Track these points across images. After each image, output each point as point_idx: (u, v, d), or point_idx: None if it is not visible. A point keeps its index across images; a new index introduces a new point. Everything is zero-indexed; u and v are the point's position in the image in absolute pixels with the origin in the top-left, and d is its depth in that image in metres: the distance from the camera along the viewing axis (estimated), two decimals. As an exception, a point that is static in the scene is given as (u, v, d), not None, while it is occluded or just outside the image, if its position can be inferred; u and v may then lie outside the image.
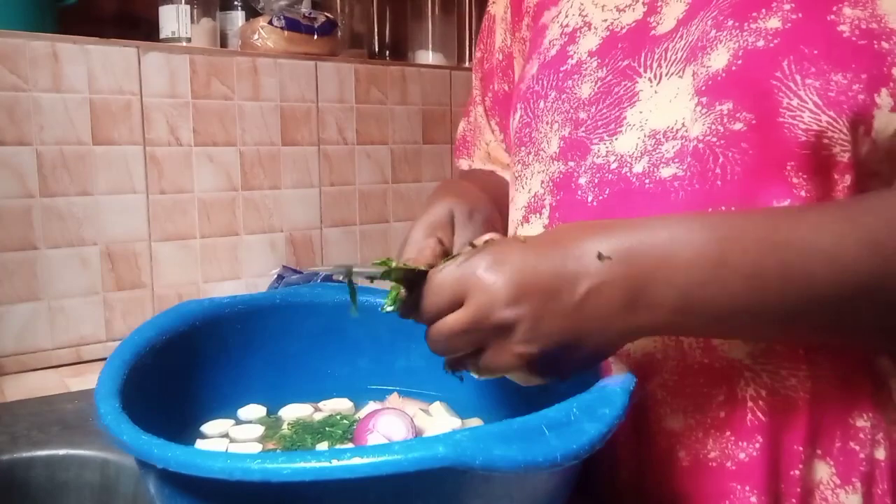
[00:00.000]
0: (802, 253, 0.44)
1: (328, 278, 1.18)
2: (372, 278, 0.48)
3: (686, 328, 0.48)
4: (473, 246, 0.47)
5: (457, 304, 0.45)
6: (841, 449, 0.52)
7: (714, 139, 0.51)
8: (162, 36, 1.16)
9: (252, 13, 1.24)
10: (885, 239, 0.44)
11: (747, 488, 0.52)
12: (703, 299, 0.44)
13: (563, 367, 0.46)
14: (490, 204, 0.66)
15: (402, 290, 0.48)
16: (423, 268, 0.48)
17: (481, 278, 0.44)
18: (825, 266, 0.44)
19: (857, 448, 0.52)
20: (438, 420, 0.58)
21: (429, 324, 0.47)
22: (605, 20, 0.61)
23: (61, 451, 0.69)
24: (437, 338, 0.46)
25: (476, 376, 0.49)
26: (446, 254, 0.54)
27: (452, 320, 0.45)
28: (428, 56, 1.48)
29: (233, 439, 0.56)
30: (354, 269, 0.48)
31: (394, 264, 0.48)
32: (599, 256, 0.44)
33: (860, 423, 0.52)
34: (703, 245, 0.44)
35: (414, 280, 0.48)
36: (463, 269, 0.45)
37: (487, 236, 0.49)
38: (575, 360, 0.46)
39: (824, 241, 0.44)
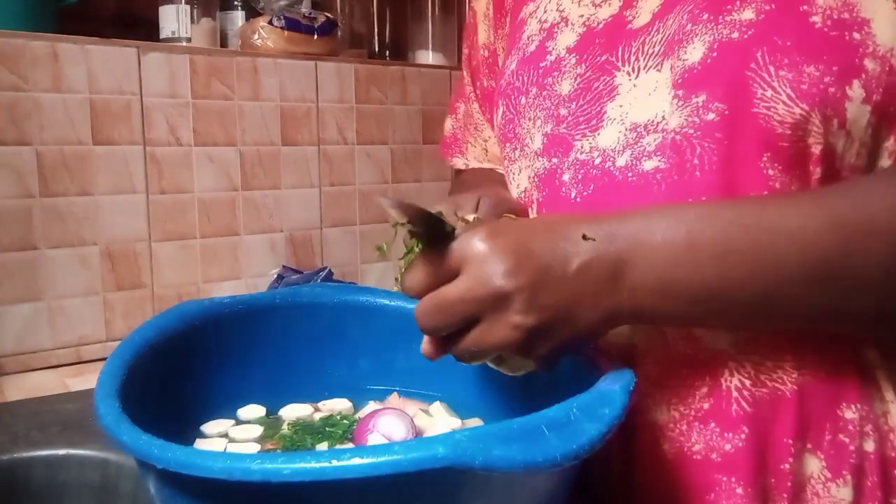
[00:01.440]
0: (770, 233, 0.45)
1: (328, 278, 1.18)
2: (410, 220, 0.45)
3: (667, 312, 0.47)
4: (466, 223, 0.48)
5: (452, 275, 0.45)
6: (831, 442, 0.52)
7: (691, 130, 0.51)
8: (162, 36, 1.16)
9: (252, 13, 1.24)
10: (847, 218, 0.45)
11: (733, 480, 0.52)
12: (678, 280, 0.46)
13: (554, 344, 0.46)
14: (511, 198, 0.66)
15: (419, 247, 0.46)
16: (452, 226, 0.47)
17: (478, 249, 0.44)
18: (792, 245, 0.45)
19: (847, 440, 0.52)
20: (438, 420, 0.58)
21: (417, 295, 0.46)
22: (582, 16, 0.61)
23: (61, 451, 0.69)
24: (430, 309, 0.45)
25: (462, 359, 0.48)
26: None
27: (448, 289, 0.45)
28: (428, 56, 1.48)
29: (232, 439, 0.56)
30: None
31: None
32: (584, 237, 0.46)
33: (849, 414, 0.52)
34: (673, 228, 0.46)
35: (438, 237, 0.46)
36: (459, 242, 0.45)
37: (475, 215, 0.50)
38: (565, 338, 0.46)
39: (791, 221, 0.45)
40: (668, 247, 0.46)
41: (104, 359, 0.49)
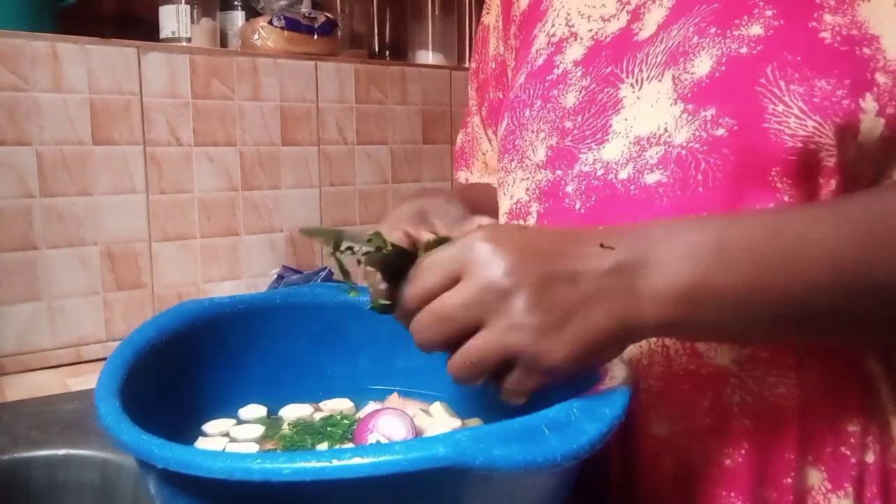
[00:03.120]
0: (800, 241, 0.44)
1: (328, 278, 1.18)
2: (356, 250, 0.44)
3: (695, 322, 0.44)
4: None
5: (451, 282, 0.42)
6: (832, 454, 0.52)
7: (697, 145, 0.51)
8: (162, 36, 1.16)
9: (252, 13, 1.24)
10: (872, 229, 0.44)
11: (732, 494, 0.52)
12: (709, 285, 0.43)
13: (561, 355, 0.41)
14: (463, 208, 0.62)
15: (379, 277, 0.44)
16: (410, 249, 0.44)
17: (479, 251, 0.41)
18: (823, 254, 0.44)
19: (849, 453, 0.52)
20: (438, 420, 0.58)
21: (416, 307, 0.43)
22: (591, 30, 0.61)
23: (61, 451, 0.69)
24: (428, 320, 0.42)
25: (459, 375, 0.43)
26: (413, 247, 0.49)
27: (448, 296, 0.41)
28: (428, 56, 1.48)
29: (234, 438, 0.57)
30: (345, 236, 0.44)
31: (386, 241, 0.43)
32: (602, 246, 0.42)
33: (850, 427, 0.52)
34: (702, 233, 0.43)
35: (399, 264, 0.44)
36: (459, 247, 0.42)
37: (485, 220, 0.48)
38: (574, 349, 0.41)
39: (817, 231, 0.44)
40: (698, 250, 0.43)
41: (104, 359, 0.49)
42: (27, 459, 0.68)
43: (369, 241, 0.44)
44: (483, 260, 0.41)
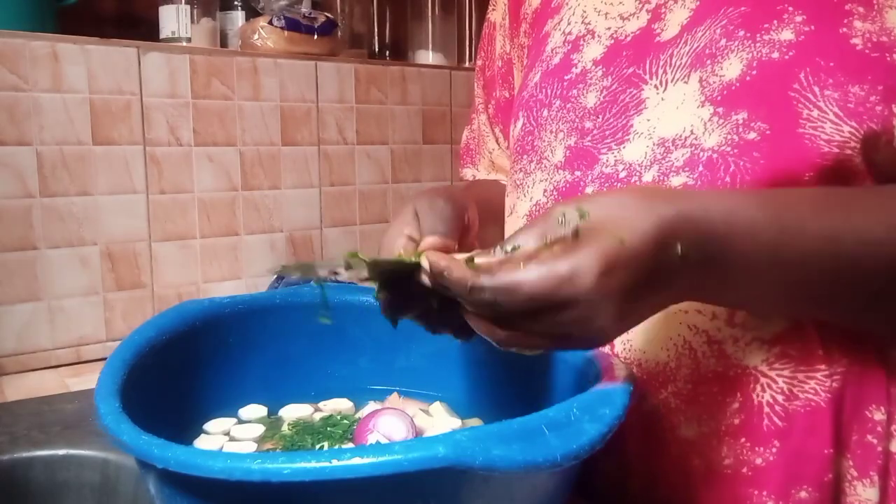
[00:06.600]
0: (855, 243, 0.46)
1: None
2: (339, 274, 0.44)
3: (732, 303, 0.50)
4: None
5: (545, 307, 0.40)
6: (858, 442, 0.52)
7: (728, 149, 0.51)
8: (162, 36, 1.16)
9: (252, 13, 1.24)
10: None
11: (764, 493, 0.52)
12: (754, 283, 0.46)
13: (614, 337, 0.44)
14: (462, 193, 0.59)
15: (379, 287, 0.45)
16: (410, 259, 0.43)
17: (590, 295, 0.39)
18: (871, 252, 0.46)
19: (875, 441, 0.52)
20: (438, 420, 0.58)
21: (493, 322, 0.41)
22: (609, 28, 0.60)
23: (61, 451, 0.69)
24: (534, 342, 0.42)
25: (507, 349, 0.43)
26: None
27: (560, 324, 0.40)
28: (428, 56, 1.48)
29: (234, 438, 0.57)
30: (318, 265, 0.44)
31: (363, 257, 0.43)
32: (682, 256, 0.41)
33: (878, 416, 0.52)
34: (761, 234, 0.44)
35: (399, 274, 0.44)
36: (567, 274, 0.39)
37: (431, 239, 0.47)
38: (630, 325, 0.44)
39: (875, 231, 0.46)
40: (752, 257, 0.44)
41: (104, 359, 0.49)
42: (27, 459, 0.68)
43: (348, 266, 0.44)
44: (592, 302, 0.39)
